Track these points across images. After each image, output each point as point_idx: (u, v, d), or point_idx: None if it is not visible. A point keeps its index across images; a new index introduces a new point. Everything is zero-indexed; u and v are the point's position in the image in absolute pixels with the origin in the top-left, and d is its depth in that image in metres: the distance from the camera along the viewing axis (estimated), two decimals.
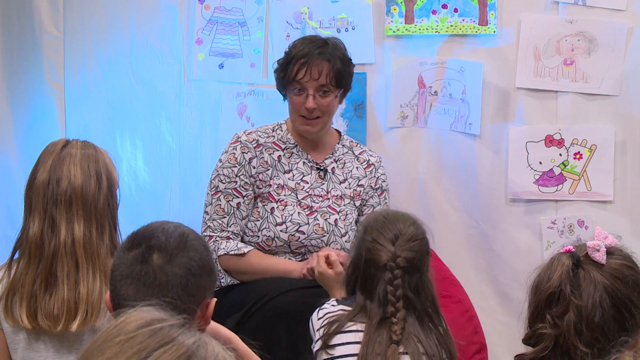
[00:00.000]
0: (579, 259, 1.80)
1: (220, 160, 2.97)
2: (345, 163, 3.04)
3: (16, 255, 2.33)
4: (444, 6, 3.38)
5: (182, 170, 3.44)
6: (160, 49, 3.48)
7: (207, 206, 2.94)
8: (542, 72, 3.34)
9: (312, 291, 2.69)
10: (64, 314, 2.23)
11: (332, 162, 3.02)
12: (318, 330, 2.21)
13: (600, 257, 1.80)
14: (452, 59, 3.39)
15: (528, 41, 3.34)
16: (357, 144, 3.14)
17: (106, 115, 3.50)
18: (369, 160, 3.08)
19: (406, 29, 3.41)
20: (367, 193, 3.03)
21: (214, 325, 1.96)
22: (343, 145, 3.07)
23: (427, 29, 3.40)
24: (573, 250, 1.84)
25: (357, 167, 3.05)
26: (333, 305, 2.25)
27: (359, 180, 3.03)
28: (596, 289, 1.76)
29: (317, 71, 2.88)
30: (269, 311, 2.67)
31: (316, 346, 2.21)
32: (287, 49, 2.96)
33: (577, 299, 1.76)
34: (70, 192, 2.28)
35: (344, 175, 3.02)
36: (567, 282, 1.79)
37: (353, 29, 3.43)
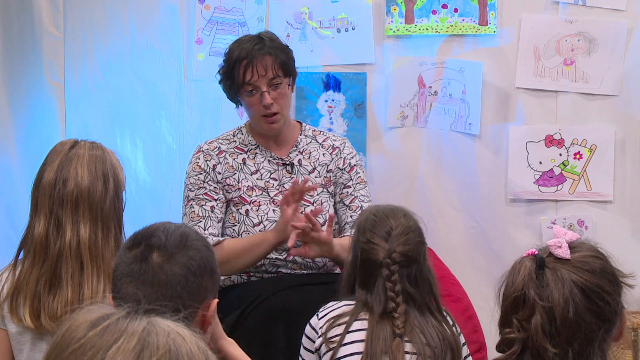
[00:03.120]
0: (542, 260, 1.78)
1: (186, 173, 2.96)
2: (310, 152, 3.01)
3: (21, 256, 2.33)
4: (444, 6, 3.38)
5: (182, 170, 3.43)
6: (160, 49, 3.48)
7: (183, 218, 2.93)
8: (542, 72, 3.35)
9: (309, 289, 2.69)
10: (67, 315, 2.22)
11: (297, 155, 3.00)
12: (321, 327, 2.21)
13: (563, 252, 1.78)
14: (452, 59, 3.39)
15: (528, 41, 3.34)
16: (320, 131, 3.10)
17: (106, 115, 3.50)
18: (333, 144, 3.04)
19: (406, 29, 3.41)
20: (336, 175, 3.01)
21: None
22: (306, 136, 3.04)
23: (427, 29, 3.40)
24: (536, 252, 1.82)
25: (323, 154, 3.01)
26: (334, 305, 2.26)
27: (327, 166, 3.01)
28: (565, 285, 1.74)
29: (262, 67, 2.85)
30: (266, 309, 2.66)
31: (317, 343, 2.21)
32: (225, 56, 2.92)
33: (543, 300, 1.75)
34: (76, 194, 2.28)
35: (312, 164, 2.99)
36: (530, 284, 1.76)
37: (353, 29, 3.43)
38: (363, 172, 3.05)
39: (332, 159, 3.01)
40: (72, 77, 3.49)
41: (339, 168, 3.00)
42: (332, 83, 3.42)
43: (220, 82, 2.96)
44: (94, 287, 2.24)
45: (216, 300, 1.77)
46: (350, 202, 2.96)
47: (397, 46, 3.42)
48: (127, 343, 1.08)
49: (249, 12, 3.46)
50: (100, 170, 2.32)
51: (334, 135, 3.11)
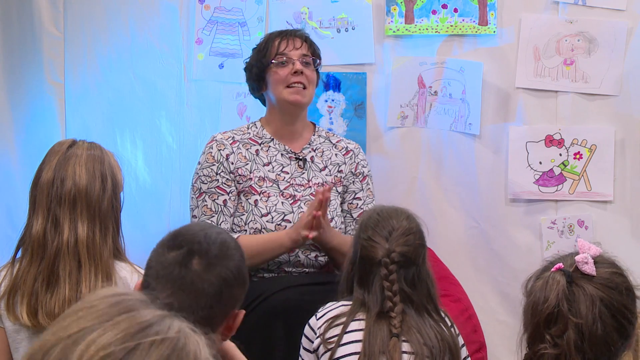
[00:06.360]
0: (570, 276, 1.80)
1: (199, 163, 2.97)
2: (323, 151, 3.04)
3: (19, 254, 2.33)
4: (444, 6, 3.38)
5: (182, 170, 3.44)
6: (160, 49, 3.48)
7: (193, 210, 2.94)
8: (542, 72, 3.34)
9: (309, 289, 2.69)
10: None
11: (310, 152, 3.03)
12: (319, 328, 2.21)
13: (590, 269, 1.81)
14: (452, 59, 3.39)
15: (528, 41, 3.34)
16: (333, 134, 3.15)
17: (106, 115, 3.50)
18: (347, 147, 3.09)
19: (406, 29, 3.41)
20: (347, 179, 3.03)
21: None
22: (319, 136, 3.08)
23: (427, 29, 3.40)
24: (563, 267, 1.83)
25: (335, 154, 3.05)
26: (332, 305, 2.27)
27: (339, 167, 3.03)
28: (594, 303, 1.77)
29: (299, 40, 2.98)
30: (266, 309, 2.67)
31: (315, 343, 2.21)
32: (257, 46, 3.04)
33: (575, 316, 1.76)
34: (74, 193, 2.29)
35: (324, 162, 3.02)
36: (564, 300, 1.78)
37: (353, 29, 3.43)
38: (372, 183, 3.08)
39: (345, 161, 3.04)
40: (72, 77, 3.49)
41: (352, 172, 3.04)
42: (332, 83, 3.42)
43: (248, 68, 3.02)
44: (91, 285, 2.24)
45: (243, 311, 1.78)
46: (358, 216, 2.99)
47: (397, 46, 3.42)
48: (136, 318, 1.08)
49: (249, 12, 3.47)
50: (99, 170, 2.33)
51: (346, 139, 3.15)
